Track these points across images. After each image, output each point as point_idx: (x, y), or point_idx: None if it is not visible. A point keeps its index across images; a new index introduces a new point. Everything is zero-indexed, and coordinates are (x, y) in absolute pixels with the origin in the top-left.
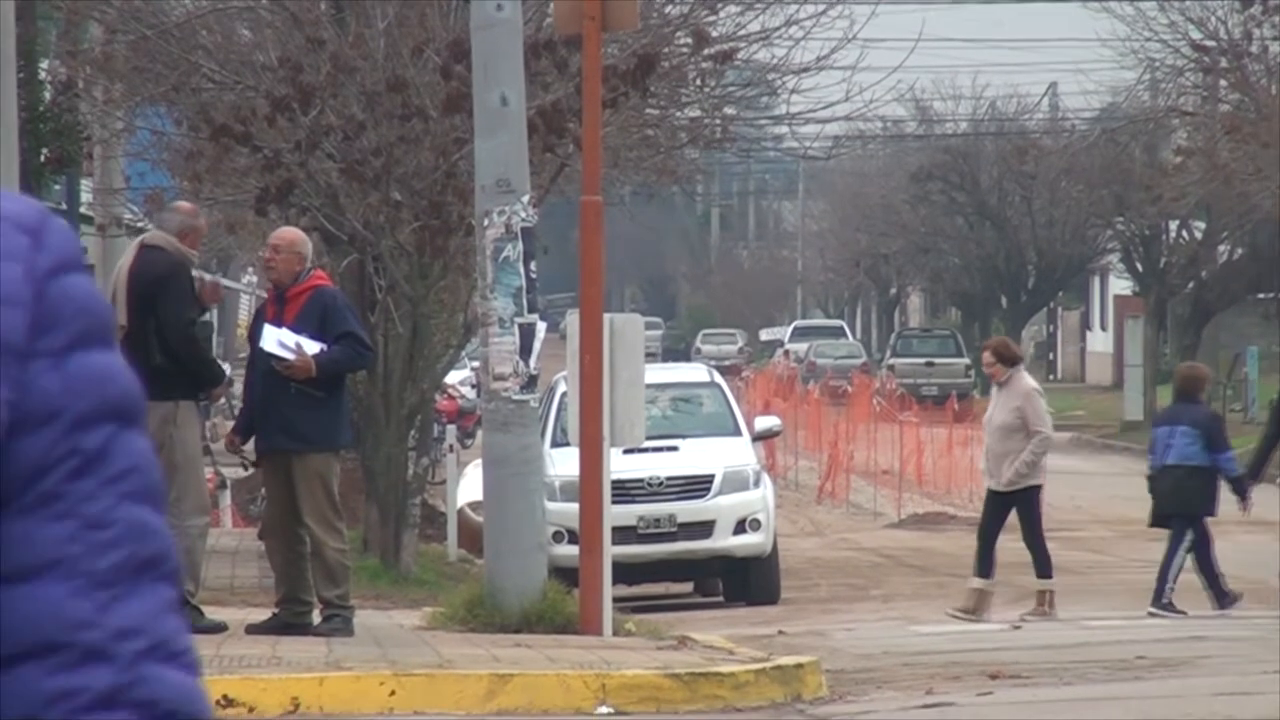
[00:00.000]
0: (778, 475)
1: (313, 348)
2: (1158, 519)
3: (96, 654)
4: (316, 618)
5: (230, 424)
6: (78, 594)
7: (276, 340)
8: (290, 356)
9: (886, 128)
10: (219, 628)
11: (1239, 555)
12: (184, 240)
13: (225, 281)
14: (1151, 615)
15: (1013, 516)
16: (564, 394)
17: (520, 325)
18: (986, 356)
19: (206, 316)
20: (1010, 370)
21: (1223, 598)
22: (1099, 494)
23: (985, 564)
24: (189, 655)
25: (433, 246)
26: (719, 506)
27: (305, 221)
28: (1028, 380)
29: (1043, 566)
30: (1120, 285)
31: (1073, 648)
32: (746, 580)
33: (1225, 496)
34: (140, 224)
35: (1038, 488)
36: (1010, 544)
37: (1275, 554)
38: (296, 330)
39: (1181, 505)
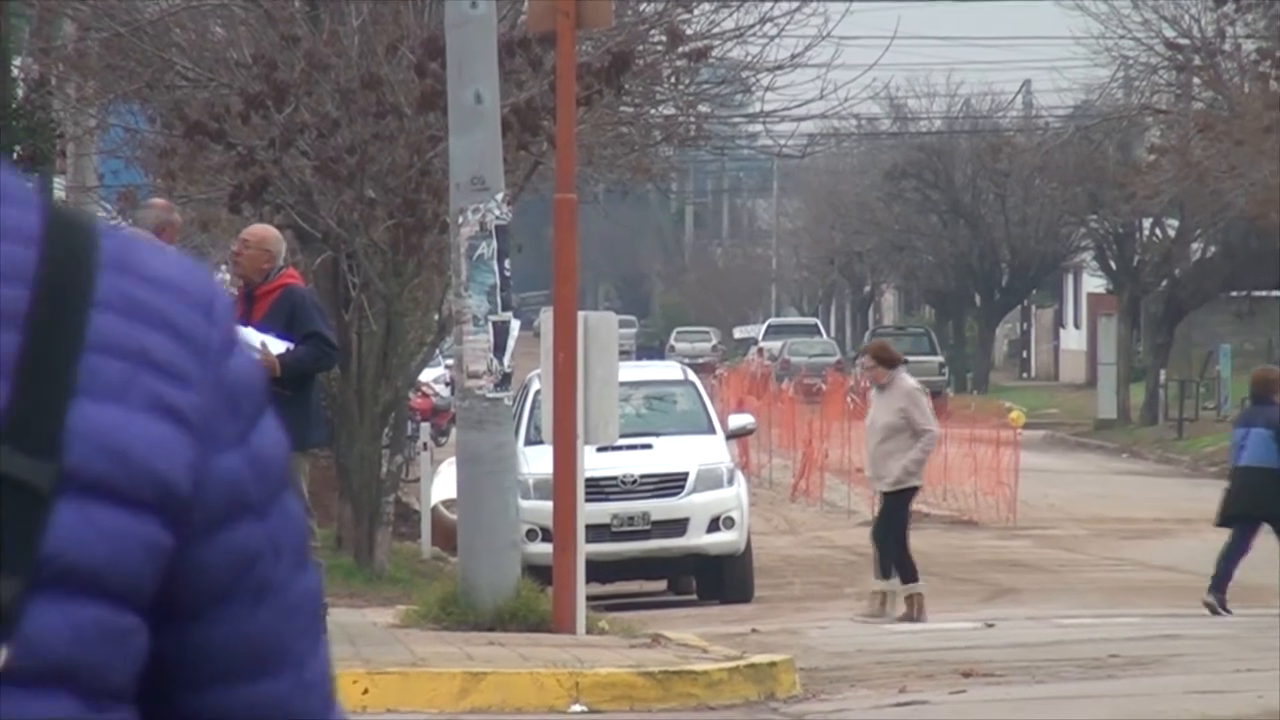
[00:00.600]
0: (751, 473)
1: (278, 346)
2: (1225, 519)
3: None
4: None
5: None
6: (290, 674)
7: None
8: (255, 355)
9: (861, 125)
10: None
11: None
12: (161, 236)
13: None
14: (1205, 604)
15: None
16: (538, 392)
17: (494, 323)
18: (866, 360)
19: None
20: (891, 372)
21: (1220, 603)
22: (1072, 492)
23: (907, 573)
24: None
25: (407, 244)
26: (693, 504)
27: (279, 219)
28: (909, 380)
29: (906, 570)
30: (1094, 283)
31: (1046, 646)
32: (720, 578)
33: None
34: (114, 222)
35: (915, 490)
36: (981, 541)
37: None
38: (263, 329)
39: (1252, 506)
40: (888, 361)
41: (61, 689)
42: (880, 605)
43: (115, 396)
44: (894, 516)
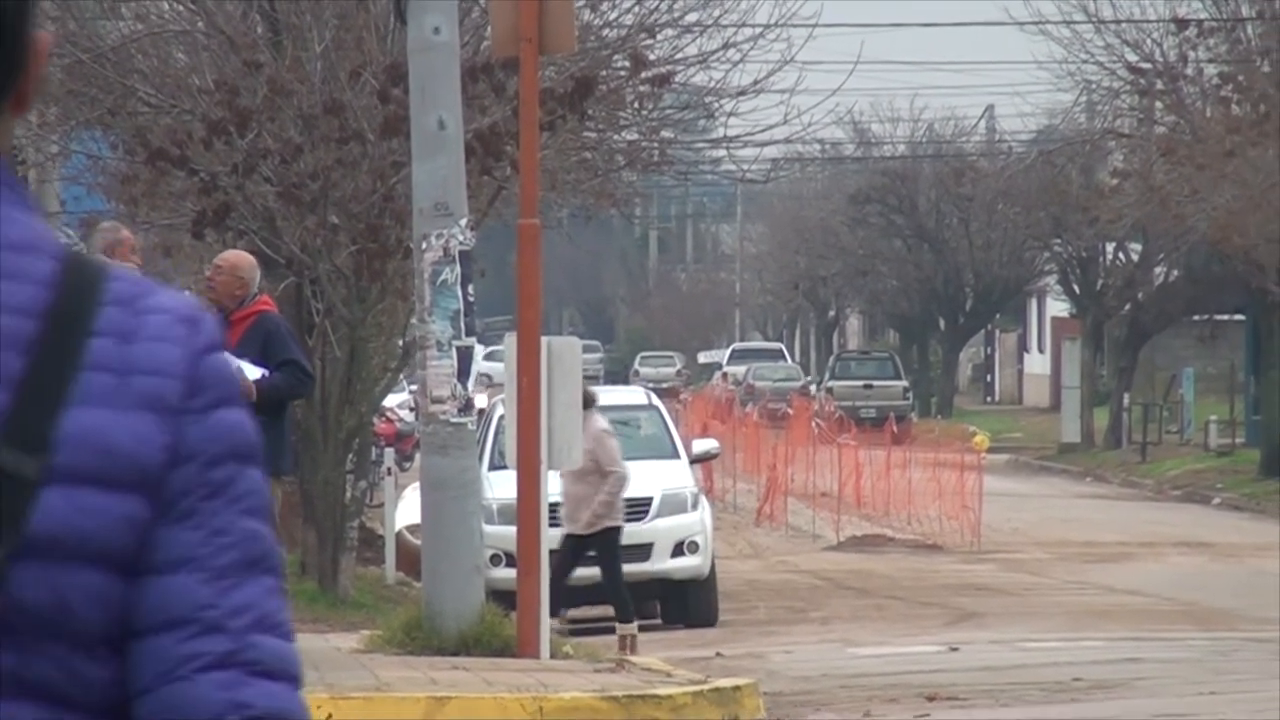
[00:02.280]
0: (716, 498)
1: (254, 373)
2: None
3: (215, 628)
4: None
5: None
6: (203, 583)
7: None
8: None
9: (825, 150)
10: None
11: (1172, 576)
12: (114, 255)
13: None
14: None
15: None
16: (502, 417)
17: (458, 348)
18: None
19: None
20: (585, 413)
21: None
22: (1036, 516)
23: (555, 602)
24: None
25: (370, 270)
26: (657, 529)
27: (243, 245)
28: (599, 421)
29: (624, 610)
30: (1057, 307)
31: (1010, 669)
32: (684, 602)
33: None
34: (77, 248)
35: (617, 529)
36: (945, 565)
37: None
38: (238, 355)
39: None
40: (583, 402)
41: (47, 639)
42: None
43: (102, 402)
44: (610, 556)
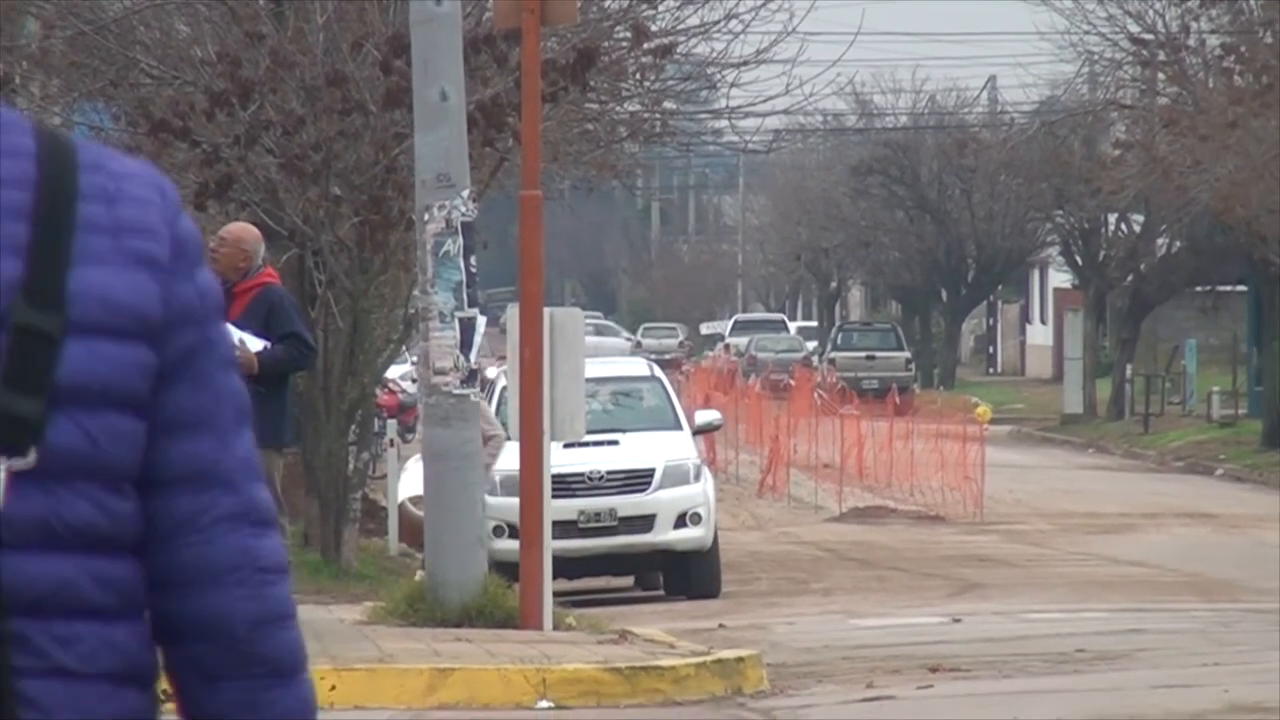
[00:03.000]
0: (718, 469)
1: (256, 345)
2: None
3: (225, 481)
4: None
5: None
6: (214, 440)
7: None
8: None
9: (826, 121)
10: None
11: (1174, 547)
12: None
13: None
14: None
15: None
16: (504, 388)
17: (460, 320)
18: None
19: None
20: None
21: None
22: (1039, 487)
23: None
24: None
25: (373, 241)
26: (659, 501)
27: (245, 216)
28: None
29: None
30: (1059, 278)
31: (1012, 641)
32: (687, 574)
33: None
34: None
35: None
36: (948, 537)
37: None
38: (240, 326)
39: None
40: None
41: (80, 478)
42: None
43: (101, 261)
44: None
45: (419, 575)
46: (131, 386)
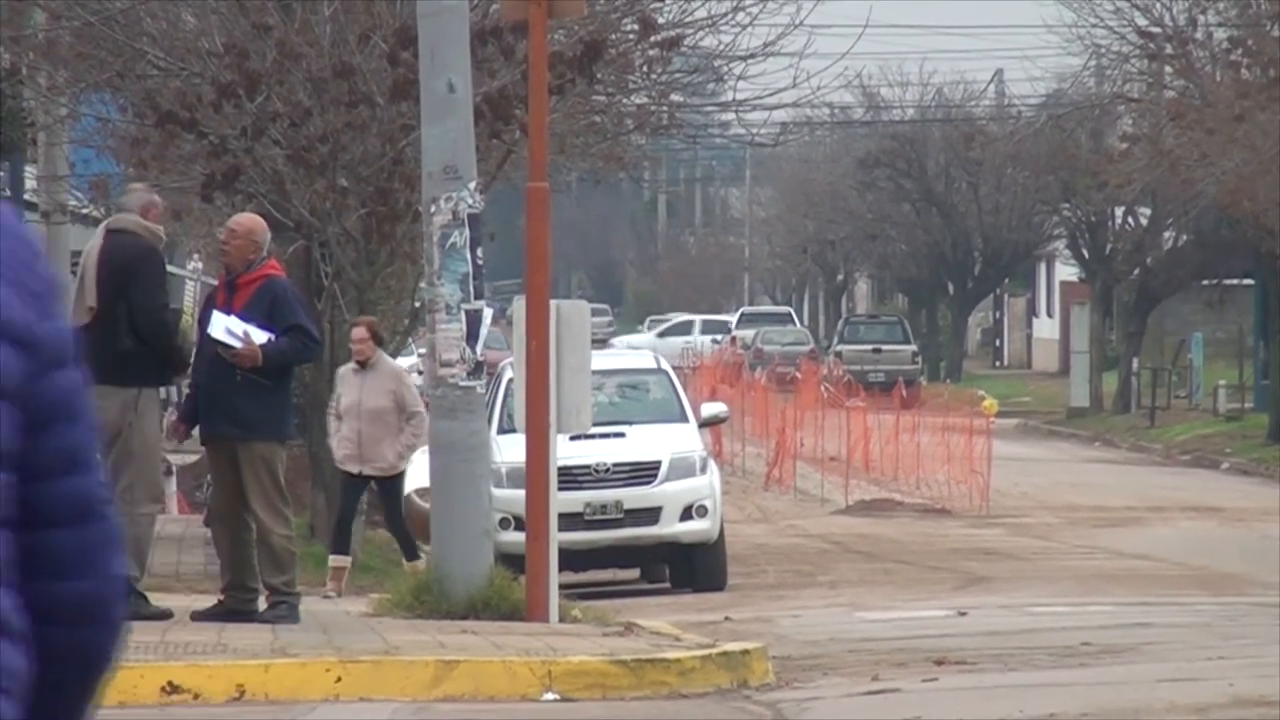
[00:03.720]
0: (724, 462)
1: (260, 337)
2: None
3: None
4: (262, 605)
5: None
6: (96, 484)
7: (224, 327)
8: (238, 344)
9: (833, 114)
10: (164, 614)
11: (1180, 541)
12: (147, 215)
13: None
14: None
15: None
16: (511, 380)
17: (467, 311)
18: (361, 332)
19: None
20: (378, 350)
21: None
22: (1045, 480)
23: (345, 541)
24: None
25: (379, 233)
26: (665, 493)
27: (252, 208)
28: (392, 360)
29: (412, 549)
30: (1066, 272)
31: (1018, 634)
32: (693, 567)
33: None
34: (85, 210)
35: (403, 472)
36: (954, 530)
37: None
38: (245, 318)
39: None
40: (379, 339)
41: None
42: (341, 581)
43: None
44: (396, 499)
45: (407, 565)
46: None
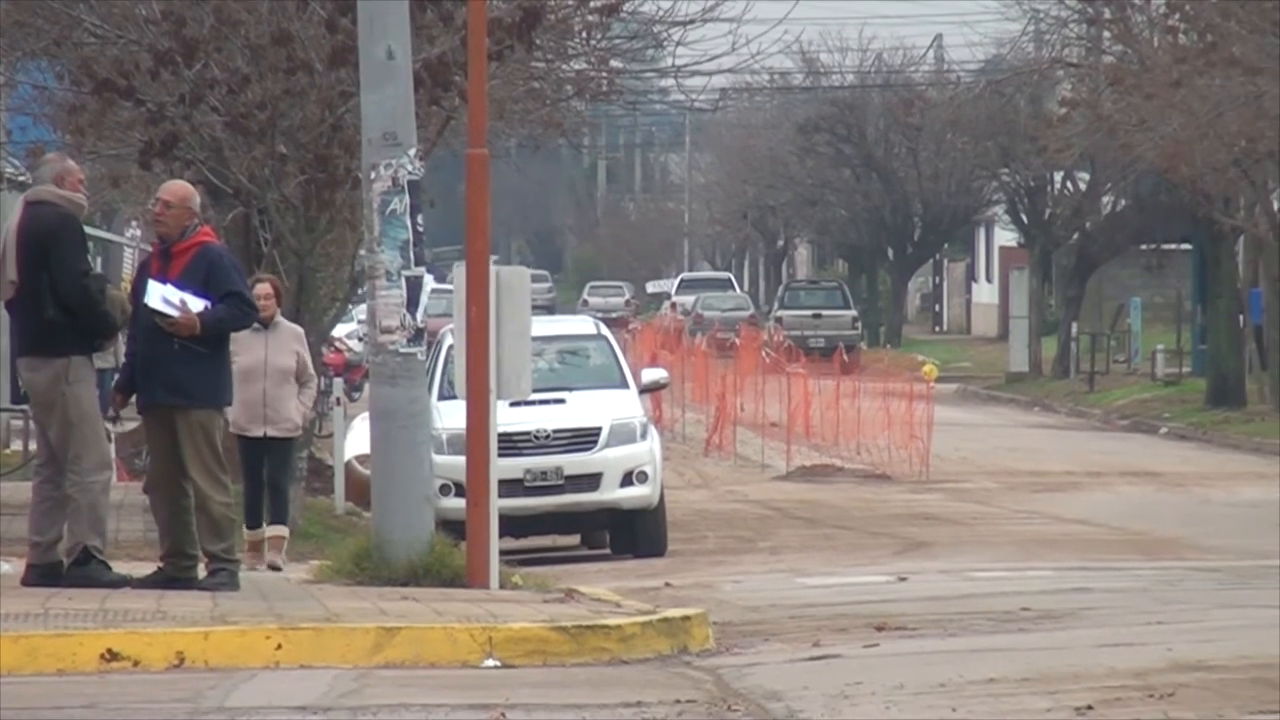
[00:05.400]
0: (665, 428)
1: (197, 305)
2: None
3: None
4: (202, 572)
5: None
6: None
7: (161, 296)
8: (174, 313)
9: (773, 80)
10: (123, 581)
11: (1119, 506)
12: (63, 184)
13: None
14: None
15: None
16: (451, 346)
17: (407, 278)
18: (266, 289)
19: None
20: (278, 309)
21: None
22: (984, 445)
23: (259, 515)
24: None
25: (319, 200)
26: (606, 459)
27: (190, 175)
28: (290, 323)
29: (285, 513)
30: (1005, 237)
31: (958, 599)
32: (633, 533)
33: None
34: (22, 178)
35: (300, 434)
36: (894, 495)
37: (1155, 504)
38: (181, 286)
39: None
40: (280, 298)
41: None
42: (259, 553)
43: None
44: (289, 460)
45: (269, 529)
46: None
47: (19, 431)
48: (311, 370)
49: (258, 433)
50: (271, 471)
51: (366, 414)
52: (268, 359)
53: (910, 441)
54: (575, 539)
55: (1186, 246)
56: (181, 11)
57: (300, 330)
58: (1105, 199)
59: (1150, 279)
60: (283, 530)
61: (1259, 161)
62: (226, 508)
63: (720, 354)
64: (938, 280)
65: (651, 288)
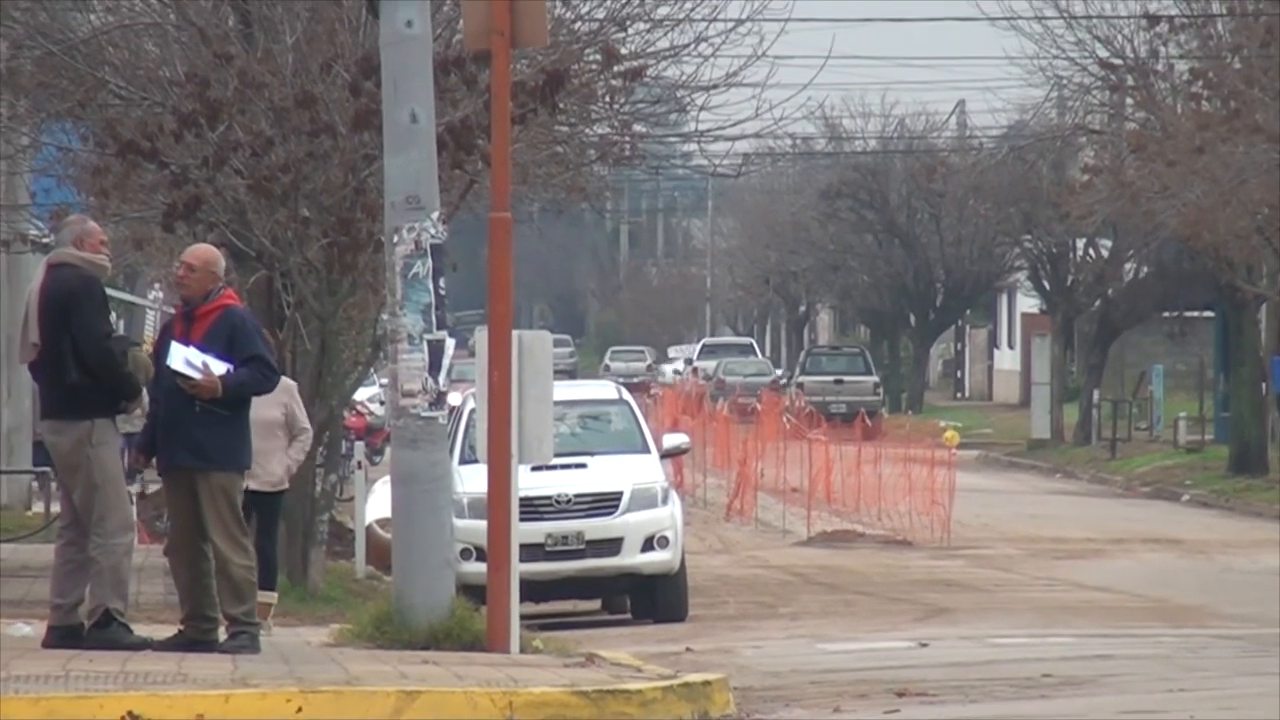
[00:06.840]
0: (686, 493)
1: (219, 367)
2: None
3: None
4: (223, 635)
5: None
6: None
7: (183, 358)
8: (197, 375)
9: (796, 145)
10: (144, 644)
11: (1141, 573)
12: (83, 246)
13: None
14: None
15: None
16: (473, 410)
17: (429, 342)
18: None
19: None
20: None
21: None
22: (1005, 512)
23: (268, 576)
24: None
25: (341, 263)
26: (627, 524)
27: (213, 238)
28: (284, 378)
29: (273, 578)
30: (1027, 303)
31: (980, 665)
32: (654, 598)
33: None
34: (46, 240)
35: (285, 489)
36: (915, 561)
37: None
38: (204, 349)
39: None
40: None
41: None
42: (265, 615)
43: None
44: (275, 518)
45: (260, 595)
46: None
47: (40, 493)
48: (304, 423)
49: (247, 485)
50: (256, 533)
51: (388, 477)
52: (255, 412)
53: (932, 507)
54: (596, 604)
55: (1209, 314)
56: (206, 73)
57: (291, 384)
58: (1128, 266)
59: (1173, 346)
60: (270, 596)
61: None
62: (247, 570)
63: (742, 419)
64: (960, 346)
65: (673, 352)
